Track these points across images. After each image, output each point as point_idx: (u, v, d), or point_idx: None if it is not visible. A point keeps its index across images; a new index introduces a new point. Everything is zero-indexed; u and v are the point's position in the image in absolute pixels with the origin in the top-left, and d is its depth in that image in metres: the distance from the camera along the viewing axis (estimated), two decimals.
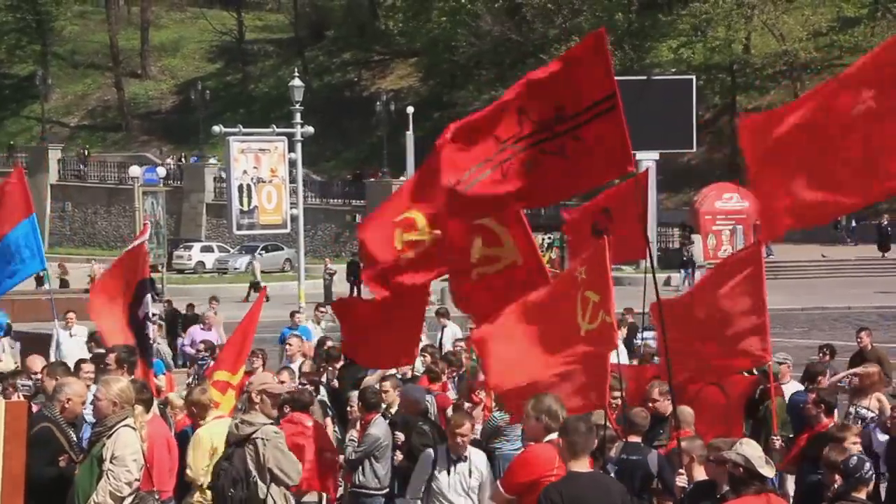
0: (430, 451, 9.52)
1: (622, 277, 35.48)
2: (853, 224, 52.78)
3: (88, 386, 10.01)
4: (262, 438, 8.87)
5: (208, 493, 9.76)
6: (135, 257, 13.56)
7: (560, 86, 8.12)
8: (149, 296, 13.52)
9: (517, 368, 8.41)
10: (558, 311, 8.21)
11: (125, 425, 8.19)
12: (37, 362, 12.16)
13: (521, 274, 9.35)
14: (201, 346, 17.89)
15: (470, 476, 9.20)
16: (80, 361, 12.25)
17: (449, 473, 9.18)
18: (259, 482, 8.85)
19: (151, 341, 13.97)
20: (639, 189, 11.34)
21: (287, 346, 15.54)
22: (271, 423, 9.17)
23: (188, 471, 9.94)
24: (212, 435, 9.87)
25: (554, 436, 7.54)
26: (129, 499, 8.14)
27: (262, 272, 53.55)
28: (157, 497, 8.85)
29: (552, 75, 8.17)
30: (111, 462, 8.07)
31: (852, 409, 11.30)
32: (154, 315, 16.91)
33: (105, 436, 8.18)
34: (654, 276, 9.01)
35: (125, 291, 13.45)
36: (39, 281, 43.25)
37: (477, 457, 9.33)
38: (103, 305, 13.54)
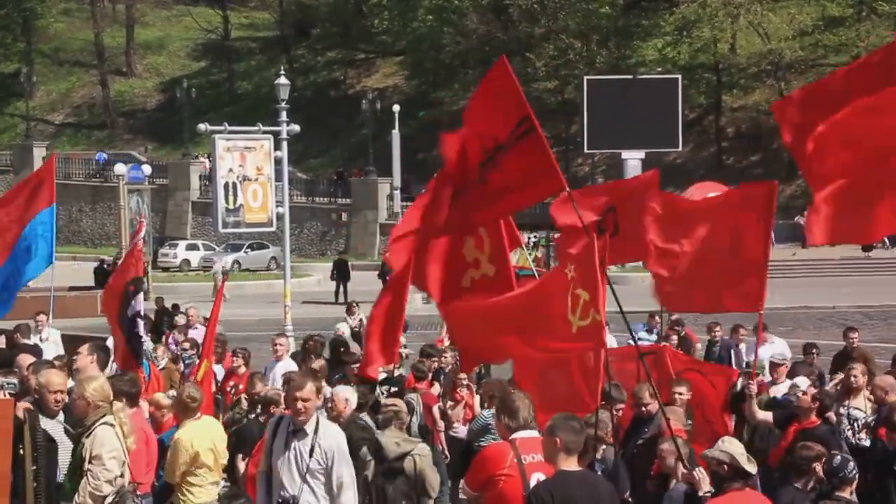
0: None
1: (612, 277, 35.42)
2: None
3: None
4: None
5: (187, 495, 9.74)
6: (130, 256, 13.54)
7: (489, 117, 8.45)
8: (140, 294, 13.46)
9: (489, 333, 8.54)
10: (547, 303, 8.20)
11: (103, 423, 8.14)
12: (27, 361, 12.06)
13: (491, 284, 9.42)
14: (187, 345, 17.81)
15: None
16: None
17: None
18: None
19: (143, 339, 13.89)
20: (652, 189, 11.21)
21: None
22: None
23: (168, 471, 9.82)
24: (192, 438, 9.69)
25: (524, 433, 7.55)
26: (110, 497, 8.10)
27: (248, 270, 53.36)
28: (137, 495, 8.77)
29: (482, 108, 8.54)
30: (90, 462, 8.04)
31: (843, 410, 11.31)
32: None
33: (85, 436, 8.13)
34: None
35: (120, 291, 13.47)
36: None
37: None
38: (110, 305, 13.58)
